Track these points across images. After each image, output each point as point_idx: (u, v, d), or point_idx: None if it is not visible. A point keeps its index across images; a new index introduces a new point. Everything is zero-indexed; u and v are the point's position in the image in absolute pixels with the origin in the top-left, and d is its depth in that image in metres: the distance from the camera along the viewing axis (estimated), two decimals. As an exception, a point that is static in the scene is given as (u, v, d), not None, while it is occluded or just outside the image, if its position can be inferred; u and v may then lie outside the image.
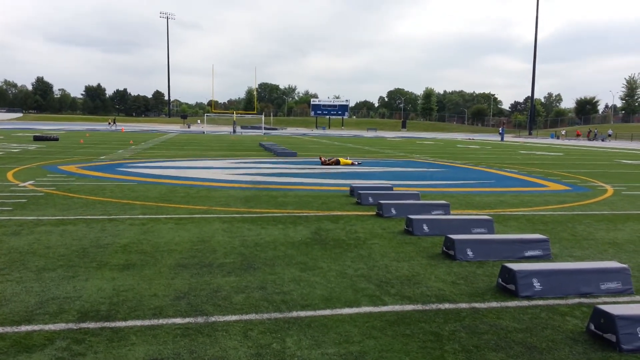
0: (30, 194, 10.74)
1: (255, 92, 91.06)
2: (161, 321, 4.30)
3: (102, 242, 6.86)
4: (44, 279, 5.30)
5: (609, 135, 69.24)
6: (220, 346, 3.87)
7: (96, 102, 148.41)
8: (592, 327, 4.24)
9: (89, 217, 8.55)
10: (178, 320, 4.33)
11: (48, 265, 5.80)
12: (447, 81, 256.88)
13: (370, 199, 10.50)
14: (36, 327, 4.10)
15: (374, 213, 9.48)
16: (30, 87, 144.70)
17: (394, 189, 12.15)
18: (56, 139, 32.32)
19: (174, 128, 77.70)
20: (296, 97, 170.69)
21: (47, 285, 5.11)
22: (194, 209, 9.53)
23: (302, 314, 4.56)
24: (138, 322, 4.26)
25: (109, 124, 75.11)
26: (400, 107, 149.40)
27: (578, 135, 75.25)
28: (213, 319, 4.38)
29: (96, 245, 6.69)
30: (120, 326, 4.18)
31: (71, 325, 4.16)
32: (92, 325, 4.19)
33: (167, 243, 6.91)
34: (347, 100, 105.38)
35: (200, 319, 4.36)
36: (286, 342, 3.98)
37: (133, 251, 6.46)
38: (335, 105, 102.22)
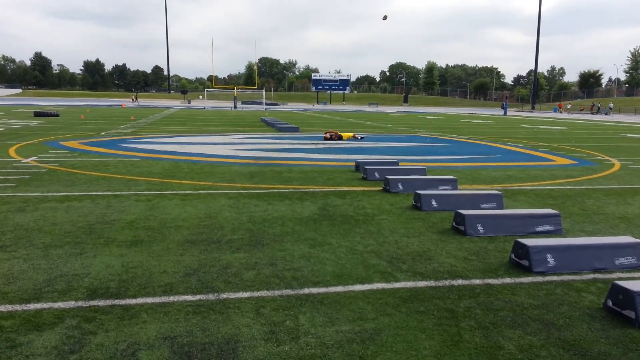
0: (34, 170, 10.64)
1: (255, 67, 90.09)
2: (172, 298, 4.24)
3: (109, 219, 6.78)
4: (52, 256, 5.24)
5: (610, 109, 68.69)
6: (233, 324, 3.81)
7: (95, 77, 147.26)
8: (610, 303, 4.17)
9: (93, 193, 8.47)
10: (189, 298, 4.27)
11: (55, 242, 5.73)
12: (450, 55, 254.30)
13: (377, 175, 10.40)
14: (45, 305, 4.05)
15: (381, 188, 9.39)
16: (28, 63, 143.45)
17: (400, 164, 12.03)
18: (57, 115, 32.09)
19: (174, 103, 77.18)
20: (297, 72, 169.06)
21: (55, 262, 5.05)
22: (199, 185, 9.44)
23: (314, 290, 4.50)
24: (149, 300, 4.20)
25: (132, 100, 75.62)
26: (402, 81, 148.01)
27: (560, 107, 75.60)
28: (224, 295, 4.32)
29: (102, 222, 6.61)
30: (131, 304, 4.12)
31: (81, 303, 4.11)
32: (102, 302, 4.13)
33: (174, 219, 6.83)
34: (348, 75, 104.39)
35: (211, 296, 4.30)
36: (299, 319, 3.93)
37: (140, 227, 6.38)
38: (336, 80, 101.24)
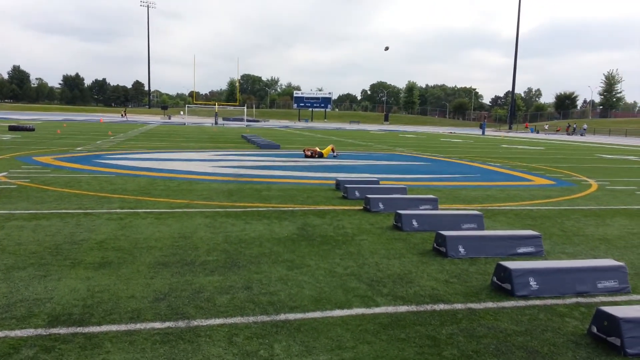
0: (3, 187, 10.25)
1: (237, 84, 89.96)
2: (139, 326, 3.99)
3: (77, 238, 6.49)
4: (13, 279, 4.94)
5: (585, 130, 70.31)
6: (203, 354, 3.58)
7: (74, 92, 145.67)
8: (595, 329, 4.06)
9: (63, 211, 8.15)
10: (157, 325, 4.02)
11: (18, 263, 5.43)
12: (429, 75, 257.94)
13: (357, 193, 10.26)
14: (1, 334, 3.76)
15: (361, 207, 9.25)
16: (6, 76, 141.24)
17: (380, 182, 11.93)
18: (32, 129, 31.41)
19: (154, 119, 76.43)
20: (279, 89, 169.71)
21: (16, 286, 4.76)
22: (175, 203, 9.18)
23: (291, 316, 4.29)
24: (114, 327, 3.95)
25: (122, 115, 74.64)
26: (382, 100, 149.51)
27: (526, 127, 78.99)
28: (195, 322, 4.09)
29: (70, 242, 6.32)
30: (94, 332, 3.86)
31: (40, 331, 3.83)
32: (63, 330, 3.87)
33: (147, 239, 6.57)
34: (330, 93, 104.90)
35: (181, 323, 4.07)
36: (274, 348, 3.72)
37: (110, 248, 6.11)
38: (318, 98, 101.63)
